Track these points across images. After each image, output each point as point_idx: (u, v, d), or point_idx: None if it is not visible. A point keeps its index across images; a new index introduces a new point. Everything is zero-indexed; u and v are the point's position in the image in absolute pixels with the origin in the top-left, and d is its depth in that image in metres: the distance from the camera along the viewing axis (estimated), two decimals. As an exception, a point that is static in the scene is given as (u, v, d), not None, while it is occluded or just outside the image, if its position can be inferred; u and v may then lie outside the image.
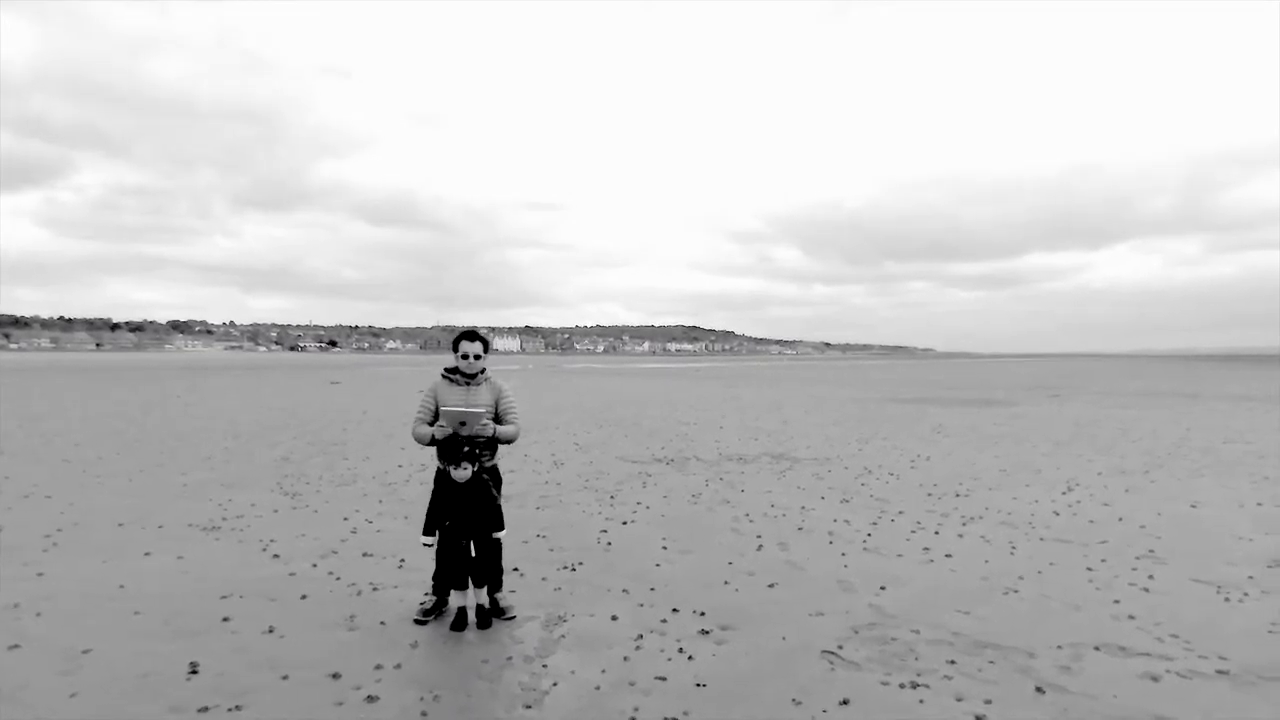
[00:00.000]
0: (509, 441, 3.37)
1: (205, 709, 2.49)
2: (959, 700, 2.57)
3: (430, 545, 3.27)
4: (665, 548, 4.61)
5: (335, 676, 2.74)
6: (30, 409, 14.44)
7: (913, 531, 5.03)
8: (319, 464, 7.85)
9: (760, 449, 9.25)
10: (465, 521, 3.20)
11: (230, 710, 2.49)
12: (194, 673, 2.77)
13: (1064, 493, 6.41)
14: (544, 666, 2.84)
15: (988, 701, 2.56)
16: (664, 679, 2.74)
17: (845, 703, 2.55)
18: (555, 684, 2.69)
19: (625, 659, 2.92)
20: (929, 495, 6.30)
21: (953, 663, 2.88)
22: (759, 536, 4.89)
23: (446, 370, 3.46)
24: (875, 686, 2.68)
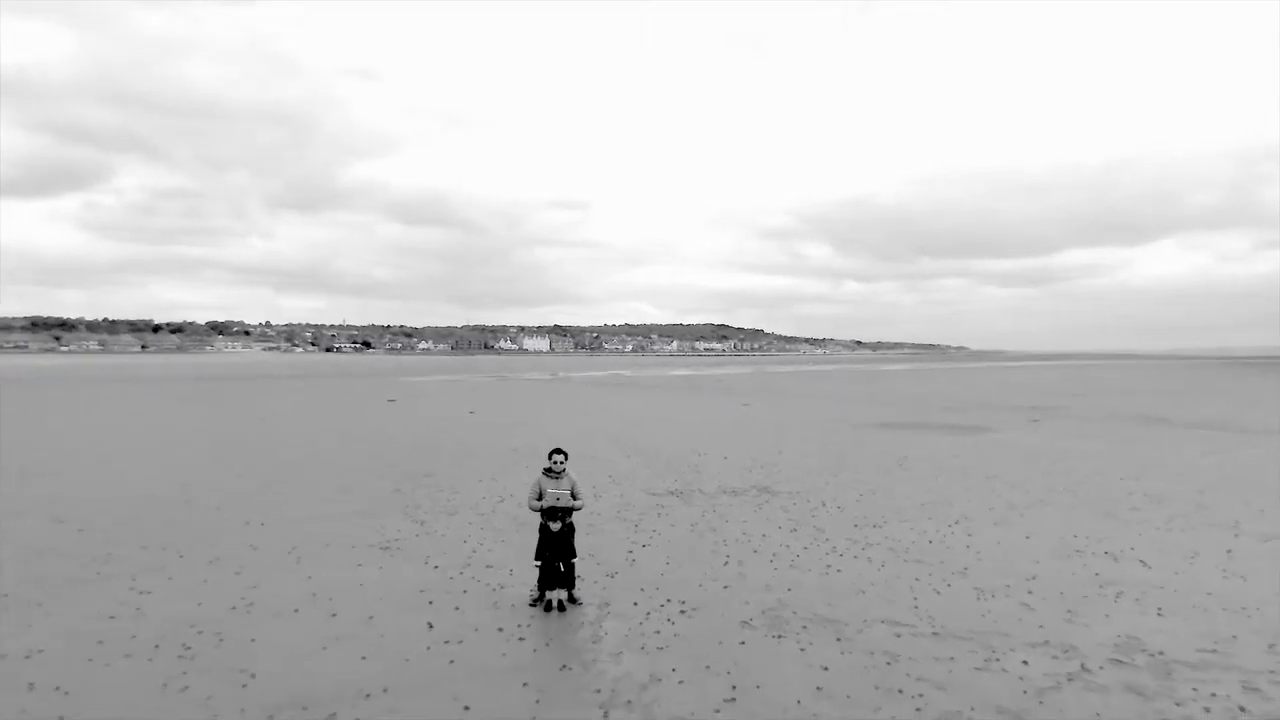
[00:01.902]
0: (578, 509, 6.28)
1: (447, 642, 5.44)
2: (797, 644, 5.41)
3: (538, 566, 6.18)
4: (668, 563, 7.48)
5: (500, 630, 5.67)
6: (154, 440, 17.79)
7: (827, 554, 7.83)
8: (424, 495, 10.85)
9: (750, 482, 12.06)
10: (557, 553, 6.11)
11: (458, 643, 5.42)
12: (431, 628, 5.72)
13: (951, 525, 9.15)
14: (599, 627, 5.74)
15: (810, 644, 5.40)
16: (659, 632, 5.62)
17: (742, 643, 5.41)
18: (605, 634, 5.59)
19: (640, 623, 5.80)
20: (855, 526, 9.08)
21: (805, 627, 5.72)
22: (727, 557, 7.73)
23: (545, 469, 6.32)
24: (760, 637, 5.53)
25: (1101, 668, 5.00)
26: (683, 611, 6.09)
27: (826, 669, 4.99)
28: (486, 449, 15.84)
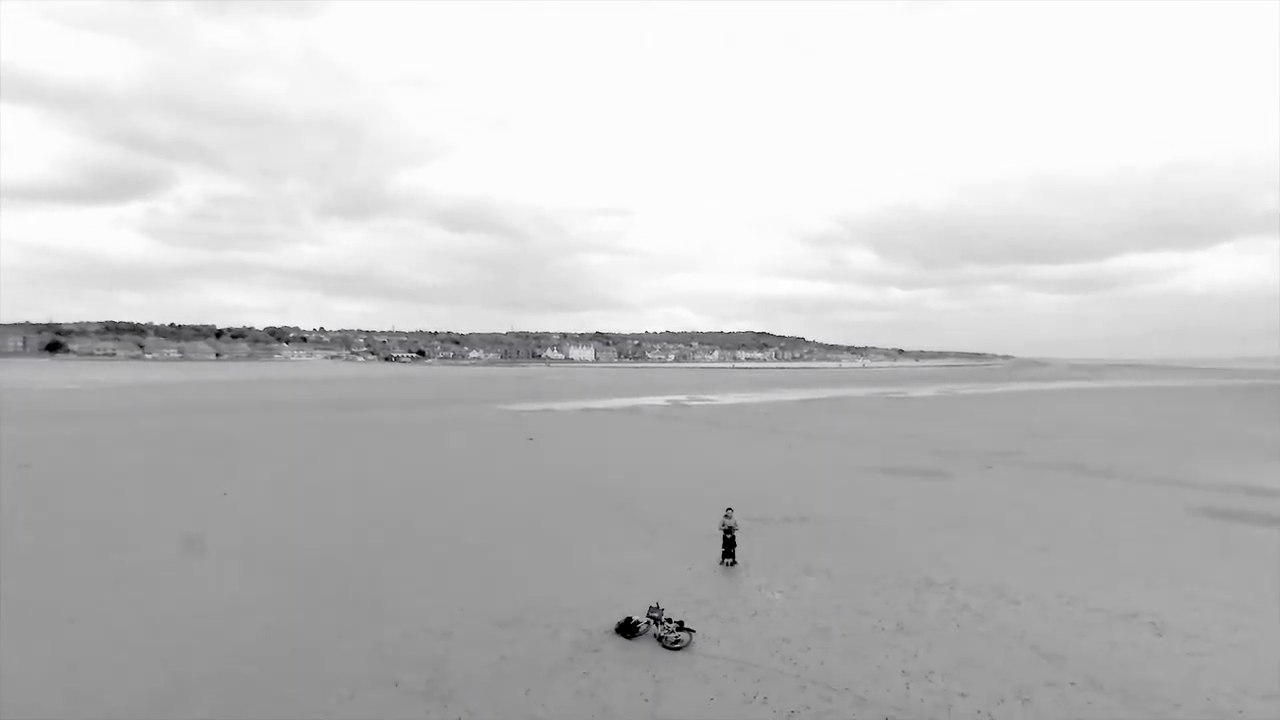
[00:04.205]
0: (738, 529, 17.48)
1: (700, 572, 16.67)
2: (815, 578, 16.49)
3: (723, 550, 17.38)
4: (763, 553, 18.58)
5: (714, 569, 16.89)
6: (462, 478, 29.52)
7: (828, 550, 18.84)
8: (633, 518, 22.08)
9: (796, 514, 23.03)
10: (730, 546, 17.31)
11: (704, 573, 16.64)
12: (690, 569, 16.96)
13: (885, 536, 20.02)
14: (748, 570, 16.89)
15: (821, 578, 16.48)
16: (766, 574, 16.75)
17: (799, 573, 16.53)
18: (751, 573, 16.74)
19: (760, 571, 16.92)
20: (843, 535, 20.05)
21: (819, 573, 16.79)
22: (787, 550, 18.80)
23: (724, 514, 17.56)
24: (802, 575, 16.62)
25: (909, 585, 15.98)
26: (770, 569, 17.22)
27: (824, 586, 16.06)
28: (636, 487, 27.11)
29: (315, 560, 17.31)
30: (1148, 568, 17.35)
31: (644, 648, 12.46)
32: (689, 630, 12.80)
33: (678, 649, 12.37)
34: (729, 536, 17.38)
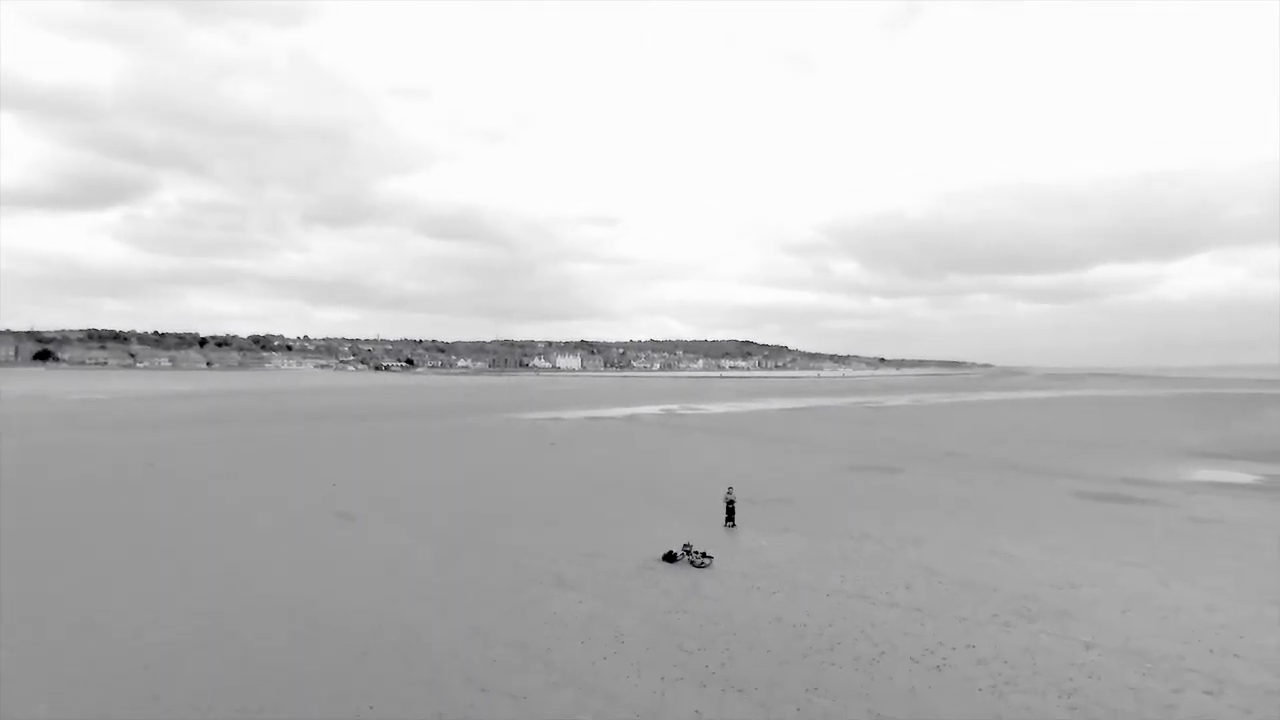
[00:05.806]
0: (734, 500, 24.97)
1: (711, 530, 24.13)
2: (790, 533, 23.99)
3: (725, 516, 24.83)
4: (755, 519, 26.03)
5: (719, 527, 24.33)
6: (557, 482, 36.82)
7: (801, 519, 26.35)
8: (661, 501, 29.48)
9: (781, 497, 30.49)
10: (731, 512, 24.77)
11: (713, 530, 24.10)
12: (702, 530, 24.41)
13: (839, 506, 27.60)
14: (744, 530, 24.33)
15: (801, 534, 23.99)
16: (757, 533, 24.23)
17: (779, 533, 24.03)
18: (745, 531, 24.19)
19: (751, 530, 24.39)
20: (814, 510, 27.57)
21: (798, 532, 24.30)
22: (771, 518, 26.26)
23: (727, 489, 25.07)
24: (783, 533, 24.11)
25: (853, 538, 23.52)
26: (759, 529, 24.68)
27: (796, 539, 23.56)
28: (652, 480, 34.50)
29: (438, 527, 24.56)
30: (1018, 528, 25.01)
31: (682, 567, 19.87)
32: (709, 557, 20.23)
33: (704, 568, 19.79)
34: (730, 506, 24.85)
